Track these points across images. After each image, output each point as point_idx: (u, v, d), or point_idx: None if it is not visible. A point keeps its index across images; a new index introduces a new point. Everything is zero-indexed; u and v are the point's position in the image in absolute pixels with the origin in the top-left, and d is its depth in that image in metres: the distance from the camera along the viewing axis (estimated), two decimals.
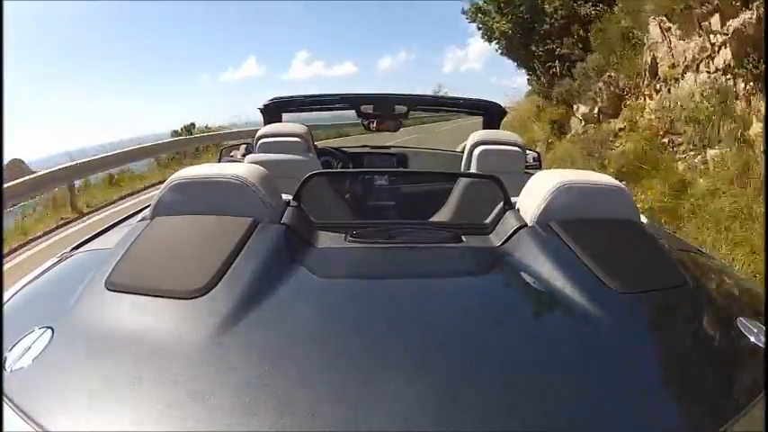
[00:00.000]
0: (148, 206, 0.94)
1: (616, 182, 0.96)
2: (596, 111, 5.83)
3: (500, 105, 2.21)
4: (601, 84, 5.63)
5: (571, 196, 0.87)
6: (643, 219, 1.03)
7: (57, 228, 5.45)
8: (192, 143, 10.61)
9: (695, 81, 3.99)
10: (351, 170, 2.37)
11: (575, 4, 6.61)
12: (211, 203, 0.85)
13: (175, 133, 12.53)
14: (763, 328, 0.67)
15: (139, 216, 1.03)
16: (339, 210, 1.68)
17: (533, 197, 0.89)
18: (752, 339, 0.65)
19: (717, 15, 3.63)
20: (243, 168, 0.91)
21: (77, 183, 6.62)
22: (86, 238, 1.01)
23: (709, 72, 3.86)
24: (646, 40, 4.83)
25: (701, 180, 3.66)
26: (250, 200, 0.85)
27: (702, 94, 3.78)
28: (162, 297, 0.66)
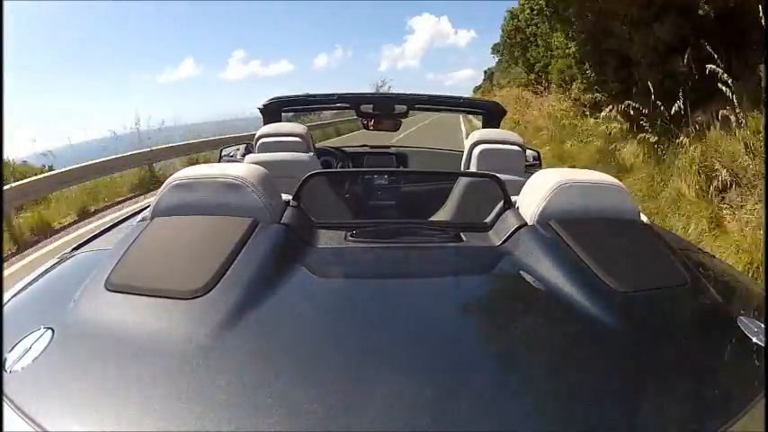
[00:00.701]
0: (148, 206, 0.94)
1: (616, 180, 0.96)
2: None
3: (500, 105, 2.21)
4: None
5: (571, 195, 0.87)
6: (643, 217, 1.03)
7: None
8: None
9: None
10: (350, 170, 2.37)
11: None
12: (211, 203, 0.85)
13: None
14: (763, 327, 0.67)
15: (139, 216, 1.03)
16: (339, 209, 1.68)
17: (533, 196, 0.89)
18: (752, 339, 0.65)
19: None
20: (243, 168, 0.91)
21: None
22: (86, 238, 1.01)
23: None
24: None
25: None
26: (250, 200, 0.85)
27: None
28: (162, 297, 0.66)
